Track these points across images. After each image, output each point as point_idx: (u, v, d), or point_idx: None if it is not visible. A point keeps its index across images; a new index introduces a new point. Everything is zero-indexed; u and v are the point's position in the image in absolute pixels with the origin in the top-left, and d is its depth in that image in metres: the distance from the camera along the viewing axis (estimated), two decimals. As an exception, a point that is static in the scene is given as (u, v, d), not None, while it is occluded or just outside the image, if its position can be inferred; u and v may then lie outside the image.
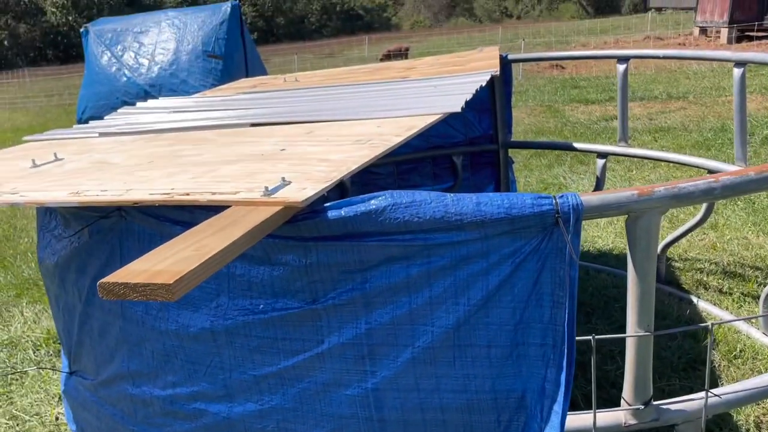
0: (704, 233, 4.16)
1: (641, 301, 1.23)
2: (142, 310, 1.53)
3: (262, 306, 1.37)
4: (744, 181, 1.16)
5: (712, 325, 1.24)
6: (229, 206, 1.23)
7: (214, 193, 1.30)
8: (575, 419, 1.33)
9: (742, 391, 1.34)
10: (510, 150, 4.26)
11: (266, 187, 1.26)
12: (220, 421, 1.48)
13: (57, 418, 2.76)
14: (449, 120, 4.05)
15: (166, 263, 0.94)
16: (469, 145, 4.08)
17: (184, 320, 1.45)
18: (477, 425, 1.33)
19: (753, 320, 3.05)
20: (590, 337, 1.25)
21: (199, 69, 7.91)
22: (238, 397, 1.45)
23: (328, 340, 1.33)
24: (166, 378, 1.54)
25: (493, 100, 3.89)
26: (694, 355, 2.78)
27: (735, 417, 2.42)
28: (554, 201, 1.18)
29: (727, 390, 1.34)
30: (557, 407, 1.24)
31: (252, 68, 8.29)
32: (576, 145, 3.67)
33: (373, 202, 1.21)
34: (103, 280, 0.89)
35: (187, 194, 1.32)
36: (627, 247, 1.24)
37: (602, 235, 4.43)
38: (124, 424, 1.67)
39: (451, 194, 1.23)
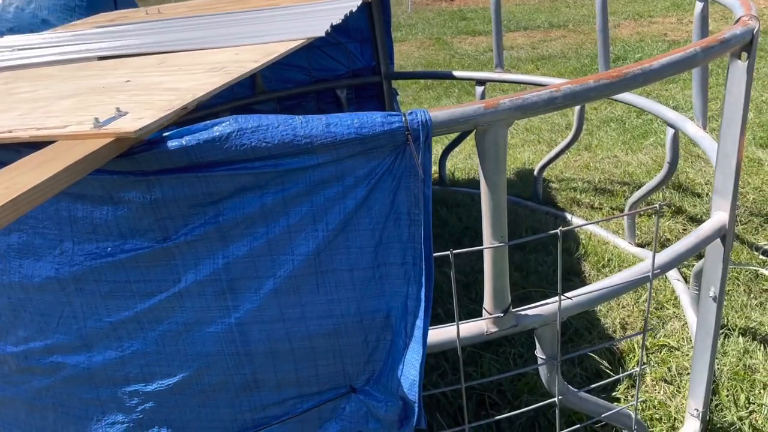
0: (579, 154, 4.38)
1: (494, 212, 1.25)
2: (-21, 264, 1.40)
3: (109, 248, 1.28)
4: (584, 89, 1.19)
5: (561, 231, 1.29)
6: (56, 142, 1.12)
7: (39, 129, 1.17)
8: (440, 332, 1.37)
9: (592, 292, 1.42)
10: (399, 83, 4.23)
11: (96, 119, 1.15)
12: (81, 372, 1.40)
13: None
14: (331, 52, 3.95)
15: (-34, 204, 0.84)
16: (352, 78, 4.01)
17: (27, 270, 1.34)
18: (345, 348, 1.34)
19: (620, 232, 3.27)
20: (448, 252, 1.26)
21: (60, 7, 7.20)
22: (97, 345, 1.37)
23: (185, 278, 1.27)
24: (17, 333, 1.43)
25: (373, 30, 3.81)
26: (567, 267, 2.95)
27: (603, 320, 2.61)
28: (404, 118, 1.16)
29: (578, 293, 1.42)
30: (419, 322, 1.26)
31: (122, 4, 7.66)
32: (455, 73, 3.69)
33: (216, 128, 1.14)
34: None
35: (10, 131, 1.19)
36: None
37: (487, 161, 4.56)
38: (-23, 387, 1.55)
39: (300, 117, 1.18)
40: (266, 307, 1.29)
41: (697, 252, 1.56)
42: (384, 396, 1.37)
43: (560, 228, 1.29)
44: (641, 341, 2.40)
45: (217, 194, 1.20)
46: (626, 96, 2.83)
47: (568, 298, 1.36)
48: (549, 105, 1.17)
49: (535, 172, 3.63)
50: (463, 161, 4.68)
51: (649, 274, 1.42)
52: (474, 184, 4.21)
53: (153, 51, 1.95)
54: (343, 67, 4.01)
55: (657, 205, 1.33)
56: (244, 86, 3.79)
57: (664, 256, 1.47)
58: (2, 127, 1.23)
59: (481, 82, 3.58)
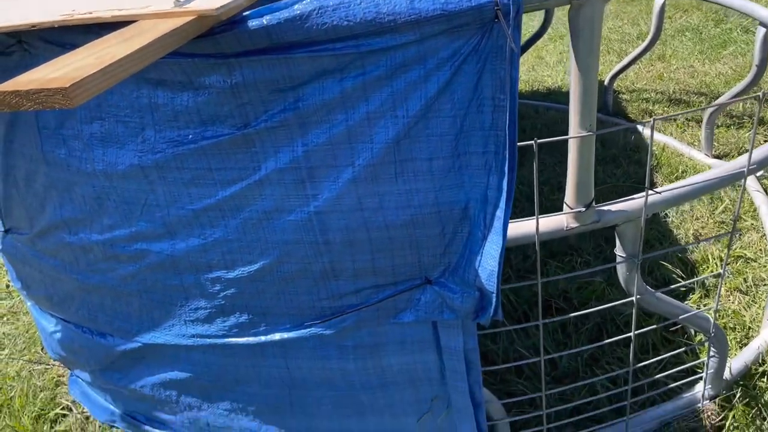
0: (651, 64, 4.14)
1: (583, 98, 1.19)
2: (65, 153, 1.43)
3: (191, 136, 1.29)
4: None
5: (654, 119, 1.22)
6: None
7: (120, 9, 1.16)
8: (519, 226, 1.34)
9: (679, 187, 1.36)
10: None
11: (177, -2, 1.13)
12: (164, 259, 1.45)
13: (8, 286, 2.73)
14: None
15: (62, 71, 0.84)
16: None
17: (111, 158, 1.37)
18: (422, 239, 1.33)
19: (695, 143, 3.12)
20: (532, 142, 1.22)
21: None
22: (180, 233, 1.41)
23: (265, 166, 1.27)
24: (102, 221, 1.48)
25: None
26: (639, 178, 2.85)
27: (675, 231, 2.53)
28: (493, -7, 1.09)
29: (665, 188, 1.36)
30: (500, 213, 1.24)
31: None
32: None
33: (297, 6, 1.10)
34: (-10, 89, 0.79)
35: (90, 13, 1.18)
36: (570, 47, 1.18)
37: (552, 74, 4.38)
38: (67, 273, 1.64)
39: (382, -7, 1.12)
40: (344, 195, 1.28)
41: (794, 149, 1.46)
42: (460, 287, 1.37)
43: (653, 117, 1.22)
44: (719, 248, 2.33)
45: (298, 78, 1.18)
46: (714, -7, 2.62)
47: (656, 192, 1.31)
48: (652, -23, 1.07)
49: (606, 82, 3.46)
50: (526, 73, 4.51)
51: (744, 169, 1.35)
52: (537, 96, 4.06)
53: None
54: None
55: (760, 93, 1.23)
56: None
57: (761, 152, 1.39)
58: (82, 9, 1.22)
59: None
